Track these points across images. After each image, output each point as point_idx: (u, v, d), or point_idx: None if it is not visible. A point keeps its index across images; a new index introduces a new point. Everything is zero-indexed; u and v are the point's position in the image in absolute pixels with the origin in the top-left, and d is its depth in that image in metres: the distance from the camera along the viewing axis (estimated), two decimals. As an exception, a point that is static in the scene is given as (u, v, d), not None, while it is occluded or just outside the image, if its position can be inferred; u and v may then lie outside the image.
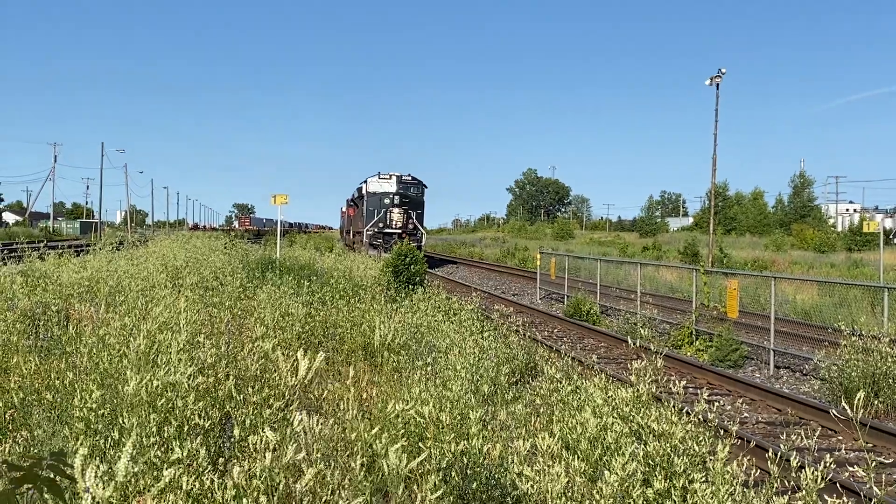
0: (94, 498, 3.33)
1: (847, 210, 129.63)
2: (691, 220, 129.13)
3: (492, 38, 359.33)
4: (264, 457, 3.76)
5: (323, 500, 3.85)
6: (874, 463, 4.68)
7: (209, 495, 3.86)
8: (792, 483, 5.27)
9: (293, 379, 5.44)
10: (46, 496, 1.51)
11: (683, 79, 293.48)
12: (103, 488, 3.30)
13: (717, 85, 36.98)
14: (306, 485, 3.74)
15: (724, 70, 36.90)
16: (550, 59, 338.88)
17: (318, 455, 4.12)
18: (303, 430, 4.22)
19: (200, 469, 4.11)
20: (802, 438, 6.03)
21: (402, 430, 5.76)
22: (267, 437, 3.91)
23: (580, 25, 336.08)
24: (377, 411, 6.11)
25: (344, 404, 4.84)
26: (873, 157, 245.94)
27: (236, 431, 4.58)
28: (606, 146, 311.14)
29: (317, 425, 3.95)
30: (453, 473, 5.13)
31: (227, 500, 3.70)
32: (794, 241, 73.76)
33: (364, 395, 6.95)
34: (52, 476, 1.45)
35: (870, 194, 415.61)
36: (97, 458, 4.92)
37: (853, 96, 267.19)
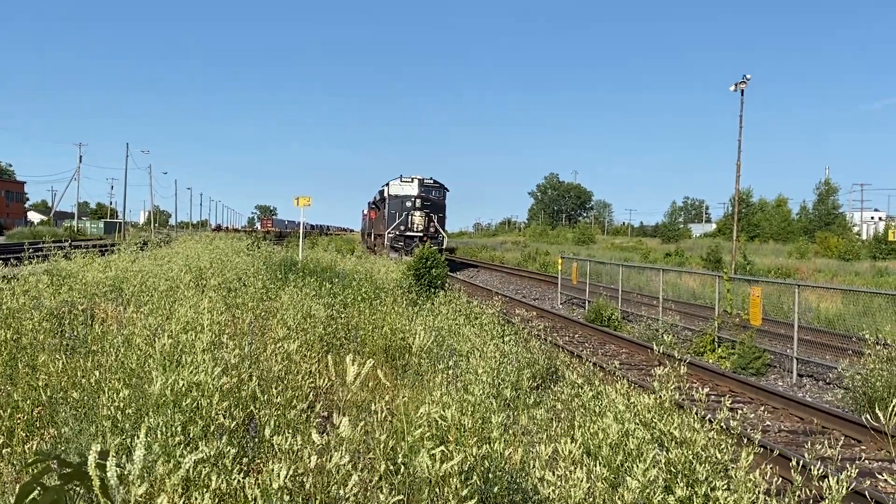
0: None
1: (872, 218, 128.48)
2: (714, 226, 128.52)
3: (514, 42, 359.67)
4: (309, 460, 3.79)
5: (351, 500, 3.88)
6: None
7: (236, 494, 3.90)
8: (814, 492, 5.24)
9: (324, 382, 5.45)
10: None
11: (707, 84, 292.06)
12: (127, 489, 3.35)
13: (742, 91, 36.75)
14: (350, 490, 3.78)
15: (748, 76, 36.66)
16: (573, 64, 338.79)
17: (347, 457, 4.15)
18: (330, 434, 4.25)
19: (227, 468, 4.15)
20: (826, 447, 6.00)
21: (427, 434, 5.78)
22: (313, 440, 3.94)
23: (603, 29, 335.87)
24: (399, 414, 6.13)
25: (375, 406, 4.86)
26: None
27: (267, 432, 4.62)
28: (629, 151, 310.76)
29: (348, 429, 3.97)
30: (475, 477, 5.14)
31: (254, 500, 3.73)
32: (818, 248, 73.09)
33: (386, 398, 6.97)
34: (99, 474, 1.48)
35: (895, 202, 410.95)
36: (123, 457, 4.98)
37: (879, 102, 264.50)
